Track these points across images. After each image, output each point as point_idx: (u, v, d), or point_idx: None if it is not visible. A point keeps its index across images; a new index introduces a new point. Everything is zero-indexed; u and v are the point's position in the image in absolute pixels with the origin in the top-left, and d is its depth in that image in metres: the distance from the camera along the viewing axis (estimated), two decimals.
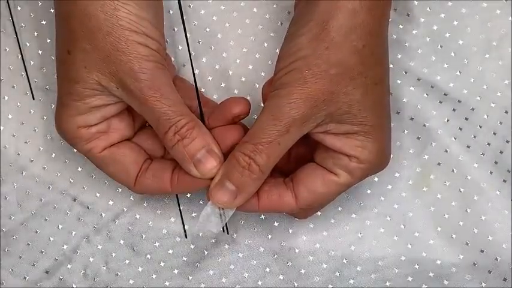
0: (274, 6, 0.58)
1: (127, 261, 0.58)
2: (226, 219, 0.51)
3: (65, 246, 0.58)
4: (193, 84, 0.54)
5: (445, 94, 0.58)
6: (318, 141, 0.50)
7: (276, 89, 0.49)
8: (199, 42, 0.58)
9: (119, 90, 0.49)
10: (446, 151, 0.58)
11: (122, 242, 0.58)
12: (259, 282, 0.57)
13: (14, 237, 0.58)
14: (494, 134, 0.58)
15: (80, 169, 0.58)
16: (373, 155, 0.50)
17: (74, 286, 0.58)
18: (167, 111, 0.49)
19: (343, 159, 0.50)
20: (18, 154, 0.58)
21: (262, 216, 0.58)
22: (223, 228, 0.53)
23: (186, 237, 0.58)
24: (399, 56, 0.58)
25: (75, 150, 0.57)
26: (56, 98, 0.52)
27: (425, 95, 0.58)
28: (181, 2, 0.53)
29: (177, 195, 0.57)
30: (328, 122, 0.49)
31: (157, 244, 0.58)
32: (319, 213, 0.58)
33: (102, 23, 0.48)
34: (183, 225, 0.58)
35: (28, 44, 0.58)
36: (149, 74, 0.48)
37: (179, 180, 0.51)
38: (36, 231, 0.58)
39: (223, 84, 0.58)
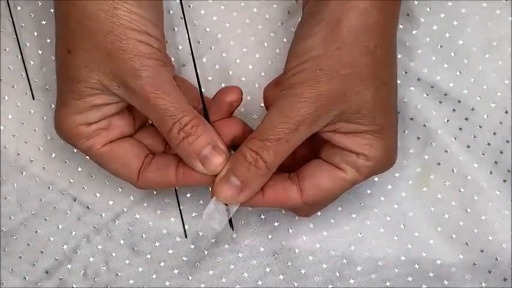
0: (274, 6, 0.58)
1: (127, 261, 0.58)
2: (230, 215, 0.51)
3: (65, 246, 0.58)
4: (194, 84, 0.54)
5: (445, 94, 0.58)
6: (324, 139, 0.50)
7: (286, 88, 0.49)
8: (199, 42, 0.58)
9: (120, 89, 0.49)
10: (446, 151, 0.58)
11: (122, 242, 0.58)
12: (259, 282, 0.57)
13: (14, 237, 0.58)
14: (494, 134, 0.58)
15: (80, 169, 0.58)
16: (381, 153, 0.50)
17: (74, 286, 0.58)
18: (170, 108, 0.49)
19: (350, 156, 0.50)
20: (18, 154, 0.58)
21: (262, 216, 0.58)
22: (229, 223, 0.53)
23: (186, 237, 0.58)
24: (399, 56, 0.58)
25: (75, 150, 0.57)
26: (55, 98, 0.52)
27: (425, 95, 0.58)
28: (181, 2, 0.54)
29: (177, 195, 0.57)
30: (337, 121, 0.49)
31: (157, 244, 0.58)
32: (319, 213, 0.58)
33: (103, 22, 0.48)
34: (183, 225, 0.58)
35: (28, 44, 0.58)
36: (150, 71, 0.48)
37: (184, 174, 0.51)
38: (36, 231, 0.58)
39: (223, 84, 0.58)
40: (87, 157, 0.53)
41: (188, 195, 0.58)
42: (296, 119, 0.48)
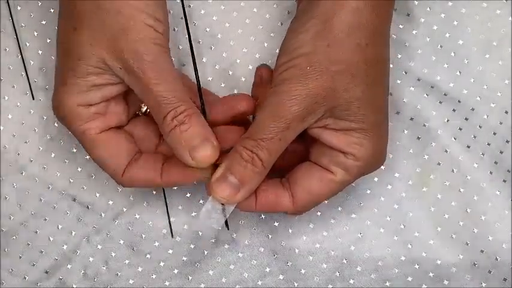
0: (274, 6, 0.58)
1: (127, 261, 0.58)
2: (226, 215, 0.51)
3: (65, 246, 0.58)
4: (195, 81, 0.54)
5: (445, 94, 0.58)
6: (314, 138, 0.50)
7: (276, 84, 0.49)
8: (199, 42, 0.58)
9: (121, 70, 0.49)
10: (446, 151, 0.58)
11: (121, 242, 0.58)
12: (259, 282, 0.57)
13: (14, 237, 0.58)
14: (494, 134, 0.58)
15: (79, 169, 0.58)
16: (370, 153, 0.50)
17: (74, 286, 0.58)
18: (168, 96, 0.48)
19: (339, 156, 0.50)
20: (18, 154, 0.58)
21: (262, 216, 0.58)
22: (225, 223, 0.53)
23: (172, 237, 0.57)
24: (399, 56, 0.58)
25: (75, 150, 0.57)
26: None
27: (425, 95, 0.58)
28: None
29: (164, 194, 0.57)
30: (327, 117, 0.49)
31: (157, 244, 0.58)
32: (319, 213, 0.58)
33: (113, 2, 0.48)
34: (170, 224, 0.57)
35: (28, 44, 0.58)
36: (154, 56, 0.48)
37: (170, 171, 0.51)
38: (36, 231, 0.58)
39: (223, 84, 0.58)
40: (87, 157, 0.53)
41: (188, 195, 0.58)
42: (287, 117, 0.48)
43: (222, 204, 0.50)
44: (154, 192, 0.58)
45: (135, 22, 0.48)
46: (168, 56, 0.49)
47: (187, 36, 0.57)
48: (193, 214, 0.58)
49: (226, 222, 0.53)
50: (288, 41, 0.49)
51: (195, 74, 0.54)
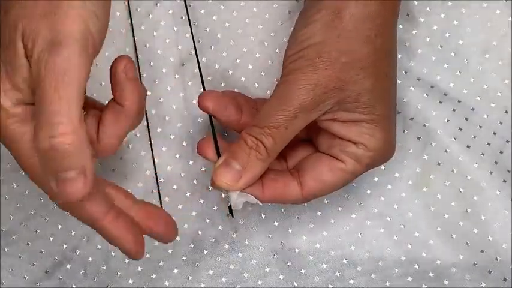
0: (274, 6, 0.58)
1: (126, 261, 0.58)
2: (229, 202, 0.50)
3: (65, 246, 0.58)
4: (198, 82, 0.54)
5: (445, 94, 0.58)
6: (321, 129, 0.50)
7: (285, 74, 0.49)
8: (199, 42, 0.58)
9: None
10: (446, 151, 0.58)
11: None
12: (259, 282, 0.57)
13: (14, 237, 0.58)
14: (494, 134, 0.58)
15: None
16: (381, 143, 0.50)
17: (74, 286, 0.57)
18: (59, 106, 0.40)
19: (350, 146, 0.50)
20: None
21: (262, 216, 0.58)
22: (229, 211, 0.52)
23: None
24: (399, 56, 0.58)
25: None
26: None
27: (425, 95, 0.58)
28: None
29: (159, 194, 0.57)
30: (337, 110, 0.49)
31: (156, 243, 0.58)
32: (319, 213, 0.58)
33: None
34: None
35: None
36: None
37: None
38: (36, 231, 0.58)
39: (223, 84, 0.58)
40: None
41: (188, 194, 0.58)
42: (294, 107, 0.48)
43: (226, 191, 0.50)
44: (153, 192, 0.58)
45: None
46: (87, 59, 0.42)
47: (188, 35, 0.57)
48: (194, 214, 0.58)
49: (230, 210, 0.52)
50: (297, 31, 0.49)
51: (200, 74, 0.54)
